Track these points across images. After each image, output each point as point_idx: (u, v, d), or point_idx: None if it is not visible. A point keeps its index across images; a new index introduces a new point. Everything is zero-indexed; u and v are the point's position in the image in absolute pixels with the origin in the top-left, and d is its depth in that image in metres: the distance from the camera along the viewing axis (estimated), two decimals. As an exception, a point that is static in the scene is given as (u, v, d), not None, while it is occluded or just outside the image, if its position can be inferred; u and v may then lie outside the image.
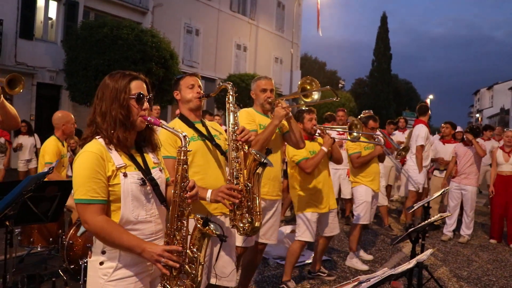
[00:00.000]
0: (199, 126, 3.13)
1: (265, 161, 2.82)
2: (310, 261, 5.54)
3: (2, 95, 3.12)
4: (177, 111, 3.45)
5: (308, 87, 3.88)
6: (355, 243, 5.78)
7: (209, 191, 2.71)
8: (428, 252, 2.81)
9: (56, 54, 15.31)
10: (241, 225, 2.83)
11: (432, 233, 7.84)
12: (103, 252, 2.06)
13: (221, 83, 3.21)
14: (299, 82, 3.97)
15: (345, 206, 8.77)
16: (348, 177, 8.09)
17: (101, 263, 2.05)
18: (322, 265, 5.37)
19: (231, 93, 3.05)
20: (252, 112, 3.97)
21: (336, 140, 4.93)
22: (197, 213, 2.28)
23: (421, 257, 2.70)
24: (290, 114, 3.80)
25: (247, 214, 2.82)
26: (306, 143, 4.58)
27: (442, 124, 9.05)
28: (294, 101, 19.92)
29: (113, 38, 13.51)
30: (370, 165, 5.79)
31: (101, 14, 16.93)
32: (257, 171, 2.84)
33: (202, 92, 3.16)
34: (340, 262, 5.94)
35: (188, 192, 2.11)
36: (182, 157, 2.11)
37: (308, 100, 3.87)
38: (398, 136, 10.10)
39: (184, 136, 2.14)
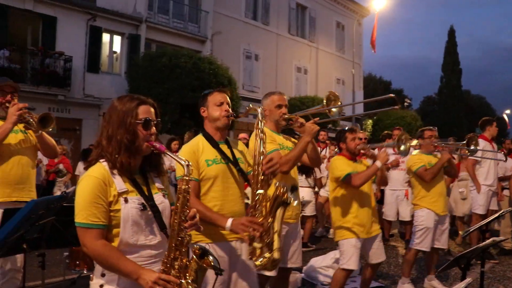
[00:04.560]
0: (223, 147, 2.99)
1: (289, 201, 2.65)
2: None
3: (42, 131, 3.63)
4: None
5: (332, 103, 3.78)
6: (408, 268, 5.30)
7: (229, 220, 2.65)
8: (465, 281, 2.49)
9: (120, 85, 16.03)
10: (260, 260, 2.68)
11: (503, 258, 7.12)
12: (103, 275, 2.05)
13: (251, 105, 3.06)
14: (324, 98, 3.84)
15: (404, 229, 8.25)
16: (407, 198, 7.68)
17: (101, 286, 2.04)
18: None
19: (260, 118, 2.87)
20: (268, 132, 3.51)
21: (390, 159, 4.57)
22: (212, 237, 2.31)
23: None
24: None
25: (266, 248, 2.66)
26: (350, 164, 4.37)
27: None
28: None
29: (171, 67, 13.96)
30: (434, 185, 5.16)
31: (162, 44, 17.58)
32: (279, 209, 2.66)
33: (231, 111, 3.02)
34: (394, 289, 5.49)
35: (188, 221, 2.06)
36: (183, 186, 2.05)
37: (331, 115, 3.78)
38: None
39: (188, 165, 2.07)
